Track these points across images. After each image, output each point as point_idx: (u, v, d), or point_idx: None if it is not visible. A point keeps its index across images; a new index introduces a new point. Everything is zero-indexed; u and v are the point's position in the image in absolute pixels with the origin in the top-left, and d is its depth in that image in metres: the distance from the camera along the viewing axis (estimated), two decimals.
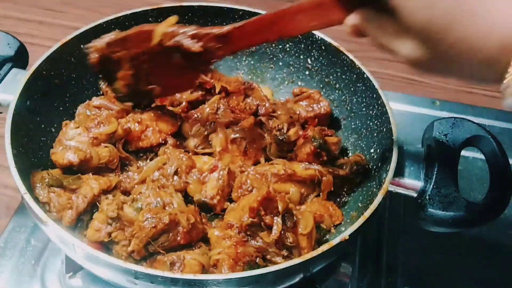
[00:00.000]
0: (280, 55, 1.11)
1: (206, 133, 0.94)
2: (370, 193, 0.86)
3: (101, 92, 1.02)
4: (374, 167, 0.90)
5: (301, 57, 1.08)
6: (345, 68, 1.00)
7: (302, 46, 1.06)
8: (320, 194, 0.89)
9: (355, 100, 1.00)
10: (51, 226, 0.68)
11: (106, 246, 0.80)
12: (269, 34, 0.71)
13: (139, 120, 0.92)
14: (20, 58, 0.92)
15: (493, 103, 1.28)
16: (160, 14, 1.05)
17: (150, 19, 1.05)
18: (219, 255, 0.75)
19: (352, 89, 1.01)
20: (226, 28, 0.72)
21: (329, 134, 0.96)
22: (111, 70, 0.84)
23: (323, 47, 1.02)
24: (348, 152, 1.02)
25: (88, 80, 1.01)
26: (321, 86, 1.08)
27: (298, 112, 1.02)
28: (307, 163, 0.89)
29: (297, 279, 0.72)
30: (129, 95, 0.89)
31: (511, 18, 0.46)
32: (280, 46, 1.10)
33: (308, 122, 1.02)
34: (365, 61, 0.96)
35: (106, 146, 0.87)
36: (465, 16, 0.48)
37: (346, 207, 0.92)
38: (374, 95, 0.92)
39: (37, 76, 0.86)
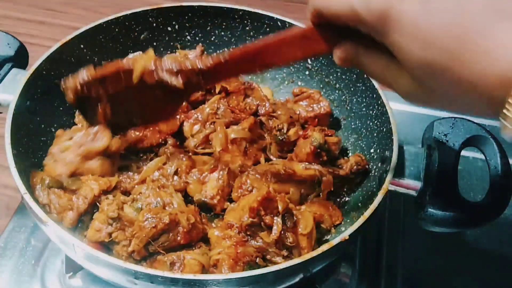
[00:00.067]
0: None
1: (206, 133, 0.94)
2: (370, 193, 0.86)
3: None
4: (374, 167, 0.90)
5: None
6: (345, 68, 1.00)
7: None
8: (320, 194, 0.89)
9: (355, 100, 1.00)
10: (51, 226, 0.68)
11: (106, 246, 0.80)
12: (253, 66, 0.68)
13: None
14: (20, 58, 0.92)
15: None
16: (160, 14, 1.05)
17: (150, 19, 1.05)
18: (219, 255, 0.75)
19: (352, 89, 1.01)
20: (209, 62, 0.69)
21: (329, 134, 0.96)
22: (88, 105, 0.79)
23: None
24: (348, 152, 1.02)
25: None
26: (321, 86, 1.08)
27: (298, 112, 1.02)
28: (307, 163, 0.89)
29: (297, 279, 0.72)
30: (110, 128, 0.85)
31: None
32: None
33: (308, 122, 1.02)
34: None
35: (99, 159, 0.86)
36: (465, 55, 0.45)
37: (346, 207, 0.92)
38: (374, 95, 0.92)
39: (37, 76, 0.86)
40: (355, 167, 0.90)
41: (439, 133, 0.82)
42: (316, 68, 1.08)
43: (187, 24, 1.09)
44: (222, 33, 1.11)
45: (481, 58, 0.45)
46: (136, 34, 1.05)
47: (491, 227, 0.79)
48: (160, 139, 0.93)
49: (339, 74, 1.03)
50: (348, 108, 1.03)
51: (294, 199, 0.86)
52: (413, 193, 0.79)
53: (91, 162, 0.85)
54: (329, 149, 0.91)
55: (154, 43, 1.09)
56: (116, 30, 1.02)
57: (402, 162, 0.80)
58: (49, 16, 1.48)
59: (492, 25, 0.45)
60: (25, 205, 0.73)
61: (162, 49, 1.10)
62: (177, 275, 0.65)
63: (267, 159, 0.94)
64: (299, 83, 1.12)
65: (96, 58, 1.01)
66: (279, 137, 0.95)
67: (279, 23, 1.05)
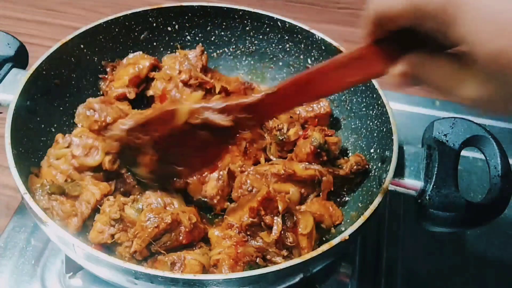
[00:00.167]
0: (280, 55, 1.11)
1: None
2: (370, 193, 0.86)
3: (101, 92, 1.03)
4: (374, 167, 0.90)
5: (301, 57, 1.08)
6: None
7: (302, 46, 1.06)
8: (320, 194, 0.89)
9: (355, 100, 1.00)
10: (51, 226, 0.68)
11: (107, 247, 0.80)
12: (304, 96, 0.64)
13: None
14: (20, 58, 0.92)
15: None
16: (160, 14, 1.05)
17: (150, 19, 1.05)
18: (219, 255, 0.75)
19: (352, 89, 1.01)
20: (256, 97, 0.65)
21: (329, 134, 0.96)
22: (131, 155, 0.78)
23: (323, 47, 1.02)
24: (348, 152, 1.02)
25: (88, 80, 1.01)
26: None
27: (298, 112, 1.02)
28: (307, 163, 0.89)
29: (297, 279, 0.72)
30: (154, 180, 0.83)
31: None
32: (280, 46, 1.10)
33: (308, 122, 1.02)
34: None
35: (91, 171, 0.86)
36: None
37: (346, 207, 0.92)
38: (374, 95, 0.92)
39: (37, 76, 0.86)
40: (355, 167, 0.90)
41: (439, 133, 0.82)
42: None
43: (187, 24, 1.09)
44: (222, 33, 1.11)
45: None
46: (136, 34, 1.05)
47: (491, 227, 0.79)
48: None
49: None
50: (348, 108, 1.03)
51: (294, 199, 0.86)
52: (413, 193, 0.79)
53: (83, 173, 0.86)
54: (329, 149, 0.91)
55: (154, 43, 1.09)
56: (116, 30, 1.02)
57: (402, 162, 0.80)
58: (49, 16, 1.48)
59: None
60: (25, 205, 0.73)
61: (162, 49, 1.10)
62: (177, 275, 0.65)
63: (267, 159, 0.94)
64: None
65: (96, 58, 1.01)
66: (279, 137, 0.95)
67: (279, 23, 1.05)
